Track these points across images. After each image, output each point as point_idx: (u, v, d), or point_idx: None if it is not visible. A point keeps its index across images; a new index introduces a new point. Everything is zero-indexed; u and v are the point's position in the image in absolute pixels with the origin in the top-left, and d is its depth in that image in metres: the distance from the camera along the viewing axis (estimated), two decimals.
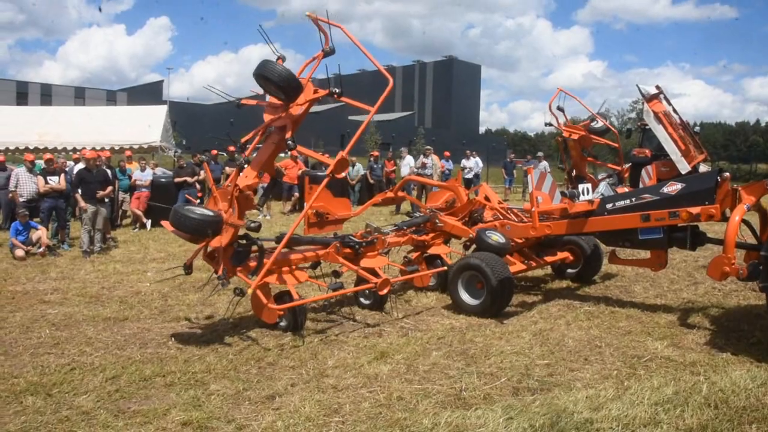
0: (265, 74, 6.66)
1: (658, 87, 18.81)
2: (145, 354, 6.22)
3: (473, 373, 5.60)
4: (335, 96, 7.00)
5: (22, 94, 76.48)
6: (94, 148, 15.45)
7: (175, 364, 5.87)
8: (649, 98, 18.26)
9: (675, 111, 19.02)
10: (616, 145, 18.69)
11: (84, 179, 12.25)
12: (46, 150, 20.12)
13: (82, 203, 12.25)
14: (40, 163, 16.17)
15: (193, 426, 4.57)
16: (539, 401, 4.90)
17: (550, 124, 17.66)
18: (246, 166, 6.92)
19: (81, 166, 13.27)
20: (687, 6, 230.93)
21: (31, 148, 19.40)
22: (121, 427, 4.59)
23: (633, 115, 64.86)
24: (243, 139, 7.27)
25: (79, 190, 12.31)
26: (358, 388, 5.27)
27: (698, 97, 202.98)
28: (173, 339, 6.70)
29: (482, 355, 6.08)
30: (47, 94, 78.50)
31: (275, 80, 6.62)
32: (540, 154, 24.20)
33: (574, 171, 17.95)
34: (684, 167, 16.63)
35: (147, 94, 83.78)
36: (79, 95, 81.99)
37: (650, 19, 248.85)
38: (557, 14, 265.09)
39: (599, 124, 17.66)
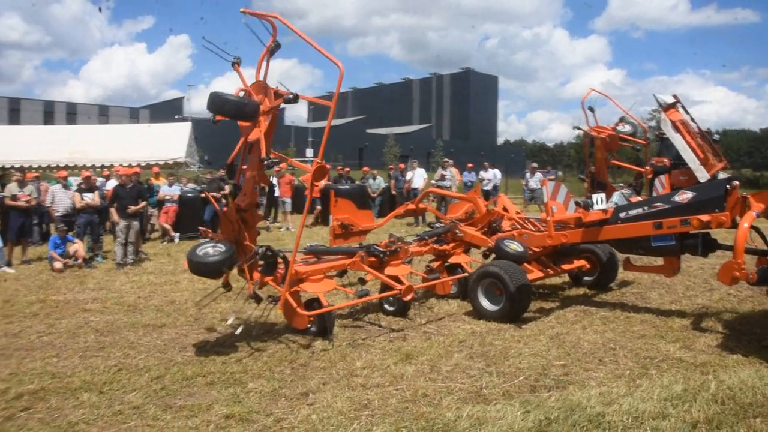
0: (218, 111, 6.71)
1: (675, 96, 19.00)
2: (185, 357, 6.64)
3: (493, 372, 5.95)
4: (292, 99, 6.74)
5: (48, 113, 78.33)
6: (129, 165, 16.10)
7: (214, 366, 6.28)
8: (667, 107, 18.43)
9: (693, 120, 19.18)
10: (644, 142, 18.72)
11: (119, 195, 12.82)
12: (76, 167, 20.89)
13: (115, 218, 12.81)
14: (72, 180, 16.83)
15: (235, 419, 4.97)
16: (555, 397, 5.25)
17: (579, 128, 17.82)
18: (238, 191, 7.14)
19: (113, 182, 13.84)
20: (707, 11, 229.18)
21: (62, 165, 20.12)
22: (169, 419, 5.00)
23: (652, 123, 64.84)
24: (229, 160, 7.30)
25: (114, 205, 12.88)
26: (385, 386, 5.64)
27: (720, 103, 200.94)
28: (209, 343, 7.13)
29: (501, 357, 6.43)
30: (72, 113, 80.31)
31: (230, 113, 6.71)
32: (534, 164, 24.23)
33: (597, 175, 18.08)
34: (703, 176, 16.73)
35: (168, 110, 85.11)
36: (103, 113, 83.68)
37: (669, 26, 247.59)
38: (574, 23, 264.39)
39: (626, 128, 17.80)
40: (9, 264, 12.69)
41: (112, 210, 12.99)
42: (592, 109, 17.51)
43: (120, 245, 12.75)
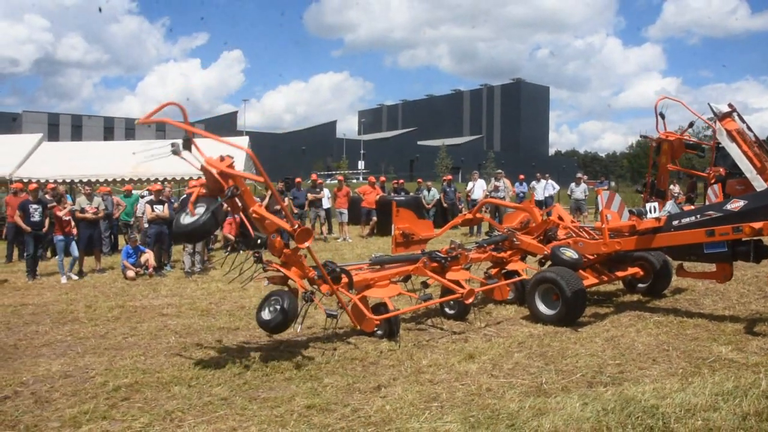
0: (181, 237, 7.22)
1: (730, 105, 18.93)
2: (262, 356, 7.20)
3: (552, 370, 6.37)
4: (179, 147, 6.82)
5: (108, 129, 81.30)
6: (192, 178, 16.91)
7: (290, 364, 6.82)
8: (722, 116, 18.40)
9: (749, 128, 19.09)
10: (712, 144, 18.68)
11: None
12: (140, 181, 21.97)
13: None
14: (137, 193, 17.82)
15: (316, 409, 5.49)
16: (611, 392, 5.64)
17: (646, 137, 17.95)
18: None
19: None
20: None
21: (127, 180, 21.20)
22: (256, 409, 5.55)
23: (708, 132, 63.60)
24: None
25: None
26: (452, 381, 6.11)
27: None
28: (282, 343, 7.69)
29: (559, 357, 6.84)
30: (131, 128, 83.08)
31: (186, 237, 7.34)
32: (579, 175, 24.19)
33: (657, 182, 18.15)
34: (760, 185, 16.70)
35: (223, 124, 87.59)
36: (160, 128, 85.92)
37: (727, 32, 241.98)
38: (627, 32, 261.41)
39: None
40: (81, 273, 13.61)
41: None
42: (663, 116, 17.65)
43: (188, 255, 13.51)
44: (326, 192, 20.85)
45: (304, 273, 7.30)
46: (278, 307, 6.96)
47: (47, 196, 15.22)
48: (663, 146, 17.33)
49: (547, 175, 23.33)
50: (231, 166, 6.87)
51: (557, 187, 23.04)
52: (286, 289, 7.26)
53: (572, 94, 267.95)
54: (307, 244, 6.79)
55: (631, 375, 6.19)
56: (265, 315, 7.09)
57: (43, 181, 18.91)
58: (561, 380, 6.07)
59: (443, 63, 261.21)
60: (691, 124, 17.69)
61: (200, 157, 6.87)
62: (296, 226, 6.96)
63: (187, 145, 6.82)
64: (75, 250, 13.48)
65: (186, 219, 6.89)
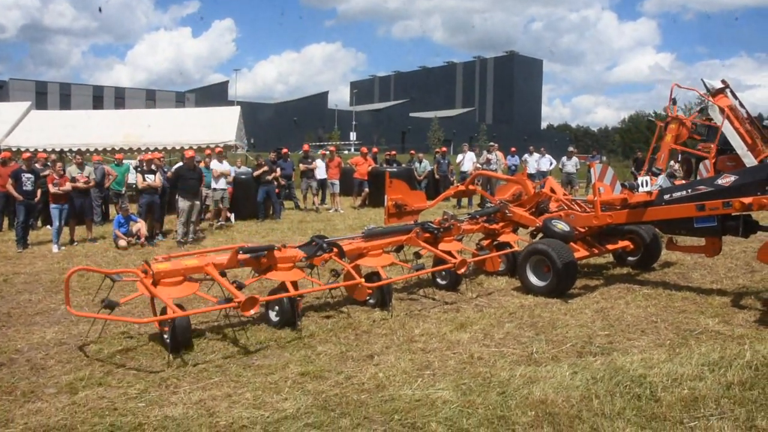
0: None
1: (723, 81, 19.01)
2: (255, 325, 7.24)
3: (542, 340, 6.48)
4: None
5: (98, 98, 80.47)
6: (185, 148, 16.88)
7: (284, 332, 6.89)
8: (715, 93, 18.50)
9: (742, 105, 19.17)
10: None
11: (183, 176, 13.56)
12: (131, 150, 21.86)
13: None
14: (127, 163, 17.73)
15: (310, 376, 5.57)
16: (600, 361, 5.75)
17: (653, 119, 18.15)
18: None
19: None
20: None
21: (117, 149, 21.08)
22: (250, 376, 5.62)
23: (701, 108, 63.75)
24: None
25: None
26: (443, 350, 6.20)
27: None
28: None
29: (549, 327, 6.94)
30: (120, 97, 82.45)
31: None
32: (571, 149, 24.21)
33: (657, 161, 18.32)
34: (750, 161, 16.82)
35: (214, 94, 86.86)
36: (150, 97, 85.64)
37: (723, 7, 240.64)
38: (623, 6, 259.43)
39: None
40: (72, 242, 13.64)
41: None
42: (675, 101, 17.85)
43: (182, 224, 13.50)
44: (319, 162, 20.75)
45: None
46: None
47: (37, 165, 15.10)
48: (670, 125, 17.48)
49: (542, 149, 23.36)
50: None
51: (554, 162, 23.06)
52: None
53: (566, 68, 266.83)
54: (252, 312, 6.45)
55: (619, 345, 6.30)
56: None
57: (32, 150, 18.76)
58: (551, 350, 6.17)
59: (437, 34, 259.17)
60: (701, 110, 17.88)
61: None
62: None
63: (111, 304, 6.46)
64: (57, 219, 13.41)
65: None
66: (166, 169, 15.59)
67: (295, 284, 7.21)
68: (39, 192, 13.63)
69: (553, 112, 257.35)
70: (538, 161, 22.64)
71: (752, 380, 5.21)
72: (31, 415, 4.83)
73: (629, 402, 4.82)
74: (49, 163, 15.93)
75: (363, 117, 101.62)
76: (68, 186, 13.31)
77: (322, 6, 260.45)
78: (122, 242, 13.20)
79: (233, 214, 17.26)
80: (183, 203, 13.38)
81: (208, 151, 19.74)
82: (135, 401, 5.09)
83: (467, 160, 21.41)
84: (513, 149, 23.35)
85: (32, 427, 4.64)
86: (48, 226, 15.01)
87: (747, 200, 7.54)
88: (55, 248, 12.93)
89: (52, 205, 13.20)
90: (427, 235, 8.56)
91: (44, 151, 18.98)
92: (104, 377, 5.64)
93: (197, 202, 13.74)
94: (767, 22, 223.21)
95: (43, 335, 6.99)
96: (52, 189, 13.08)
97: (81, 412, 4.88)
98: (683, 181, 13.02)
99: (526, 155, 23.11)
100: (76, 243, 13.67)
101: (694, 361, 5.66)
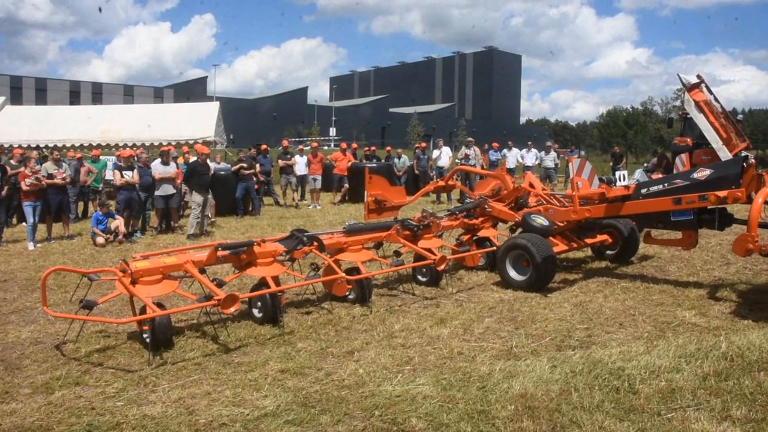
0: None
1: (699, 76, 19.25)
2: (235, 322, 7.20)
3: (522, 334, 6.51)
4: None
5: (74, 93, 79.38)
6: (164, 144, 16.71)
7: (264, 329, 6.86)
8: (690, 87, 18.73)
9: (717, 100, 19.44)
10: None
11: (197, 171, 13.87)
12: (108, 146, 21.62)
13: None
14: (105, 159, 17.52)
15: (289, 372, 5.54)
16: (579, 354, 5.79)
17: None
18: None
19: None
20: None
21: (94, 144, 20.84)
22: (230, 373, 5.58)
23: (677, 103, 64.45)
24: None
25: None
26: (424, 345, 6.21)
27: (749, 83, 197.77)
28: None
29: (529, 321, 6.98)
30: (98, 92, 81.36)
31: None
32: (549, 143, 24.55)
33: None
34: (725, 155, 17.06)
35: (192, 89, 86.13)
36: (128, 92, 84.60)
37: (698, 3, 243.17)
38: (601, 2, 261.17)
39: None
40: (49, 239, 13.45)
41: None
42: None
43: (194, 218, 13.62)
44: (299, 159, 20.62)
45: None
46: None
47: (12, 161, 14.85)
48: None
49: (530, 143, 23.47)
50: None
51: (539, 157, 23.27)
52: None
53: (545, 63, 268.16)
54: (232, 310, 6.39)
55: (598, 339, 6.36)
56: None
57: (7, 146, 18.48)
58: (531, 344, 6.21)
59: (416, 30, 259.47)
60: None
61: None
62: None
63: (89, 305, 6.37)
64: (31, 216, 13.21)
65: None
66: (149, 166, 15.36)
67: (276, 279, 7.18)
68: (6, 188, 13.36)
69: (532, 107, 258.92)
70: (523, 155, 22.79)
71: (727, 371, 5.29)
72: (6, 416, 4.75)
73: (608, 395, 4.86)
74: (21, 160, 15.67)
75: (342, 113, 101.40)
76: (40, 182, 13.07)
77: (301, 1, 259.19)
78: (100, 239, 13.03)
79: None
80: (198, 197, 13.65)
81: (185, 148, 19.58)
82: (113, 400, 5.02)
83: (443, 155, 21.45)
84: (495, 144, 23.44)
85: (6, 429, 4.56)
86: (23, 223, 14.79)
87: (722, 194, 7.64)
88: (30, 246, 12.74)
89: (25, 203, 12.99)
90: (407, 232, 8.57)
91: (19, 146, 18.69)
92: (81, 376, 5.56)
93: (210, 197, 14.12)
94: (741, 18, 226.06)
95: (18, 334, 6.88)
96: (23, 186, 12.88)
97: (57, 412, 4.81)
98: (660, 175, 13.20)
99: (505, 150, 23.21)
100: (52, 240, 13.49)
101: (671, 353, 5.72)
